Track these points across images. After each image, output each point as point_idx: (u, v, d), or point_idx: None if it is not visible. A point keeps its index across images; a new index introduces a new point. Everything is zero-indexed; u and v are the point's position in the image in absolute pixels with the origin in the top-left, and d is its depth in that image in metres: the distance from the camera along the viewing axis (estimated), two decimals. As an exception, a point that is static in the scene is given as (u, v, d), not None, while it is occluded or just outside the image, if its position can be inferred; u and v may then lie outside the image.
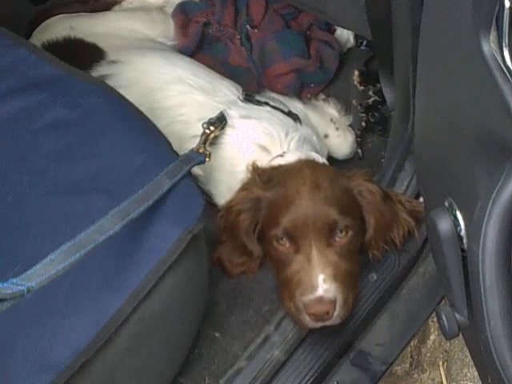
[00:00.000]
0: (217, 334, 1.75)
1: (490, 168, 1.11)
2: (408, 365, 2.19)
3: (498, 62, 1.01)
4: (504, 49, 1.00)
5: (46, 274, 1.25)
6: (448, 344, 2.19)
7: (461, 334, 1.43)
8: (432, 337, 2.20)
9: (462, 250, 1.24)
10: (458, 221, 1.25)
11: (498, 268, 1.07)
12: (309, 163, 1.79)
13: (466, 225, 1.23)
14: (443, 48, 1.21)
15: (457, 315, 1.27)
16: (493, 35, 1.02)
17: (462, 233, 1.24)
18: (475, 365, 1.41)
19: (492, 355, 1.06)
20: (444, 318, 1.28)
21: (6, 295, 1.18)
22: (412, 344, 2.19)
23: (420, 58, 1.35)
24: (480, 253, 1.08)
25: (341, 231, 1.66)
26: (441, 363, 2.19)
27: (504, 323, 1.05)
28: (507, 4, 0.97)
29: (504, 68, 1.00)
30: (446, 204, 1.28)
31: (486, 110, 1.08)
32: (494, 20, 1.01)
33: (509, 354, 1.05)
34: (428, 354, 2.20)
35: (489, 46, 1.02)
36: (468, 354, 1.49)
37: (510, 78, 0.99)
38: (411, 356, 2.20)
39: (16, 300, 1.20)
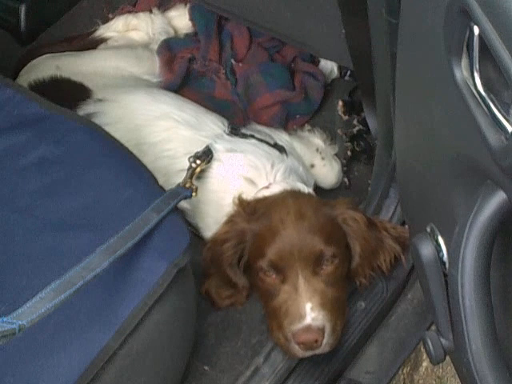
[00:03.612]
0: (206, 367, 1.74)
1: (467, 192, 1.12)
2: (401, 393, 2.18)
3: (469, 87, 1.02)
4: (475, 74, 1.01)
5: (37, 313, 1.25)
6: (441, 370, 2.18)
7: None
8: (424, 363, 2.19)
9: (446, 275, 1.24)
10: (440, 246, 1.26)
11: (477, 292, 1.07)
12: (292, 193, 1.80)
13: (447, 250, 1.24)
14: (418, 76, 1.22)
15: (442, 339, 1.27)
16: (464, 61, 1.03)
17: (445, 258, 1.25)
18: (464, 389, 1.41)
19: (474, 378, 1.07)
20: (429, 343, 1.28)
21: None
22: (404, 371, 2.18)
23: (397, 87, 1.36)
24: (459, 277, 1.09)
25: (327, 260, 1.67)
26: (434, 390, 2.18)
27: (484, 346, 1.06)
28: (476, 31, 0.99)
29: (476, 93, 1.01)
30: (428, 229, 1.29)
31: (460, 136, 1.10)
32: (464, 47, 1.02)
33: (490, 377, 1.05)
34: (421, 381, 2.18)
35: (461, 72, 1.04)
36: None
37: (481, 102, 1.00)
38: (404, 383, 2.19)
39: (7, 338, 1.20)
